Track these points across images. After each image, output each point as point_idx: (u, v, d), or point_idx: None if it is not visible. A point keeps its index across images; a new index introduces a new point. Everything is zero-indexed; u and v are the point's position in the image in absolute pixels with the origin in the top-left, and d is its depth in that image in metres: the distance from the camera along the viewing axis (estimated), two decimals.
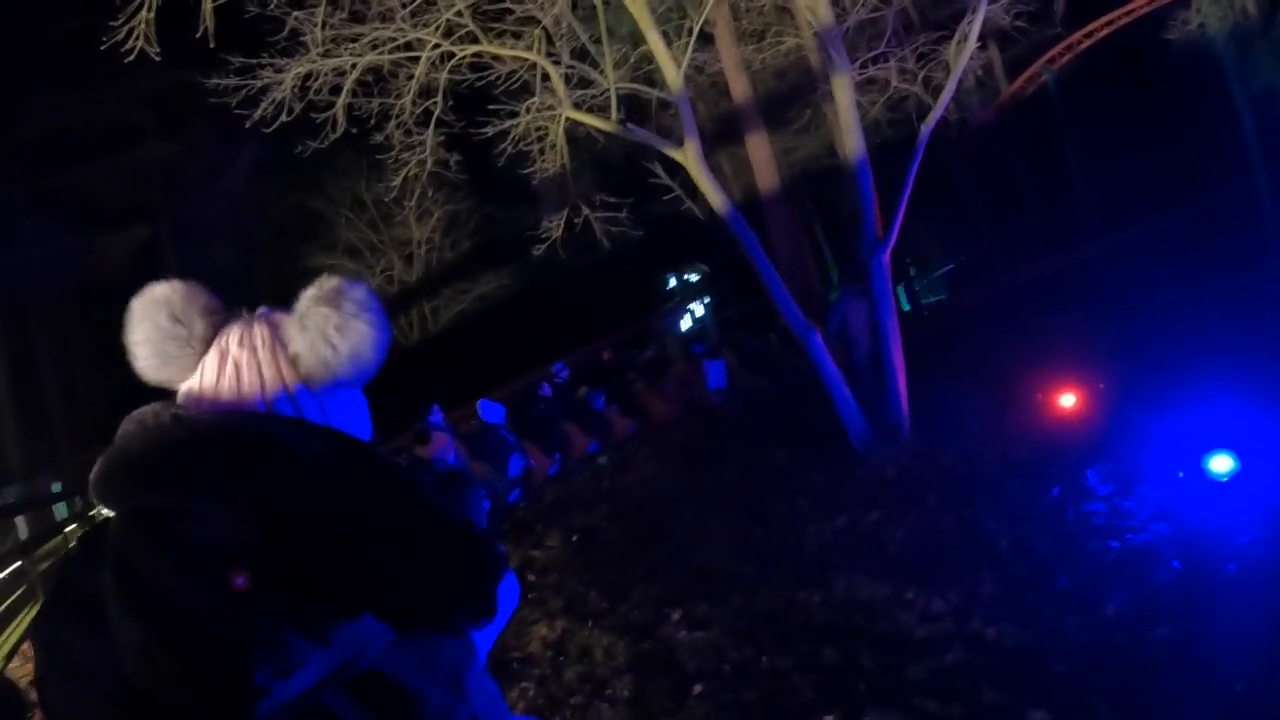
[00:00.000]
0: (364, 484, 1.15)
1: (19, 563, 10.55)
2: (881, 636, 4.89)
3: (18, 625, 9.30)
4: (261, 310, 1.40)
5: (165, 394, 1.33)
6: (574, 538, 8.66)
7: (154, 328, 1.30)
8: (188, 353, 1.30)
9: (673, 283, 33.32)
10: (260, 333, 1.32)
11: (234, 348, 1.30)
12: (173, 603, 1.00)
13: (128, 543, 1.06)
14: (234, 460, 1.10)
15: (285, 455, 1.11)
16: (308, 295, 1.34)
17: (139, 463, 1.12)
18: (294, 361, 1.30)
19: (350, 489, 1.12)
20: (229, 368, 1.28)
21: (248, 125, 9.50)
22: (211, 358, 1.30)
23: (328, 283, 1.35)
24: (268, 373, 1.29)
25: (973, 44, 8.83)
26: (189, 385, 1.30)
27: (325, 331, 1.29)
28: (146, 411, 1.21)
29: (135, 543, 1.05)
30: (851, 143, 8.77)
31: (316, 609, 1.03)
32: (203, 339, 1.31)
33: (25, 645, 8.78)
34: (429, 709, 1.08)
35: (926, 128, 8.73)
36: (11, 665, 8.44)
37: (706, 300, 31.30)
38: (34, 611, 9.22)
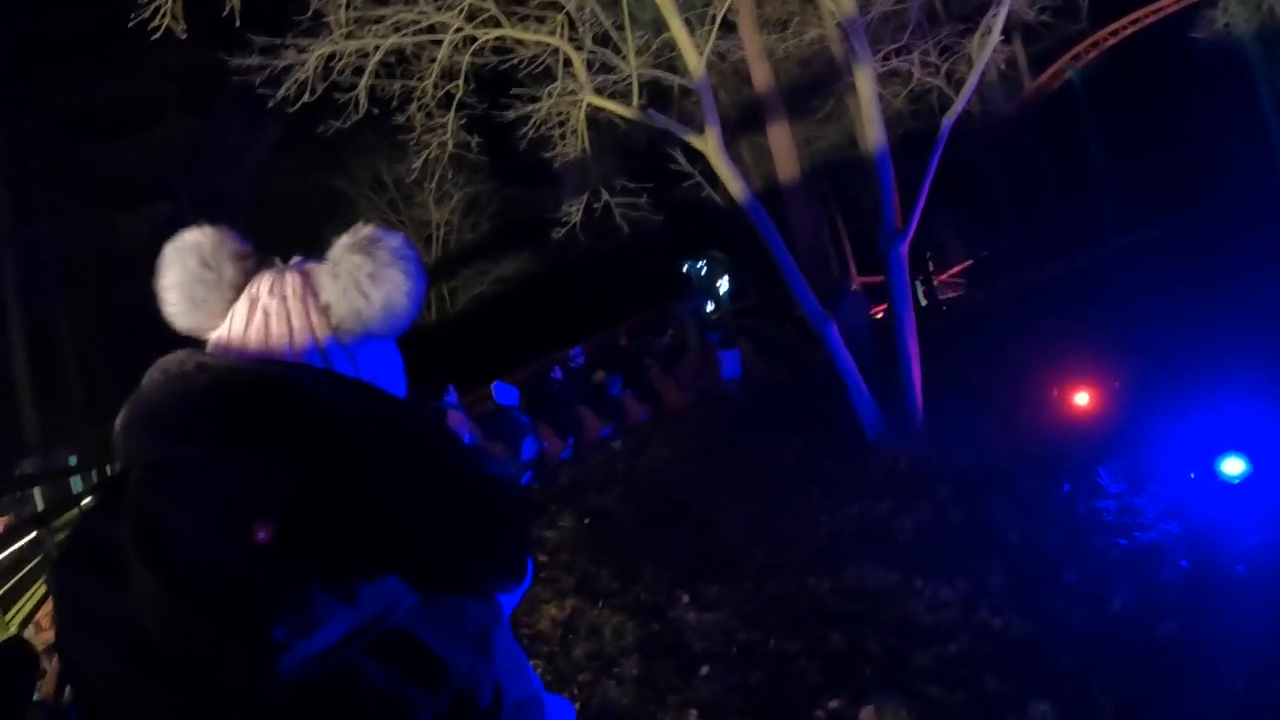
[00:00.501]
0: (392, 437, 1.11)
1: (35, 532, 10.65)
2: (888, 623, 4.94)
3: (33, 594, 9.41)
4: (295, 259, 1.37)
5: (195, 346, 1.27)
6: (586, 519, 8.71)
7: (183, 270, 1.28)
8: (216, 297, 1.27)
9: (691, 270, 33.26)
10: (292, 281, 1.28)
11: (264, 295, 1.27)
12: (191, 555, 0.98)
13: (147, 493, 1.04)
14: (256, 409, 1.07)
15: (309, 405, 1.08)
16: (341, 243, 1.29)
17: (160, 412, 1.10)
18: (325, 311, 1.26)
19: (377, 442, 1.08)
20: (258, 315, 1.25)
21: (270, 104, 9.56)
22: (241, 305, 1.27)
23: (362, 230, 1.31)
24: (297, 322, 1.25)
25: (996, 37, 8.81)
26: (218, 334, 1.27)
27: (358, 279, 1.24)
28: (171, 360, 1.17)
29: (155, 493, 1.03)
30: (873, 134, 8.77)
31: (341, 565, 1.01)
32: (233, 284, 1.28)
33: (40, 614, 8.89)
34: (455, 670, 1.06)
35: (948, 120, 8.72)
36: (25, 633, 8.55)
37: (724, 289, 31.25)
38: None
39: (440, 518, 1.11)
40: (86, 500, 14.83)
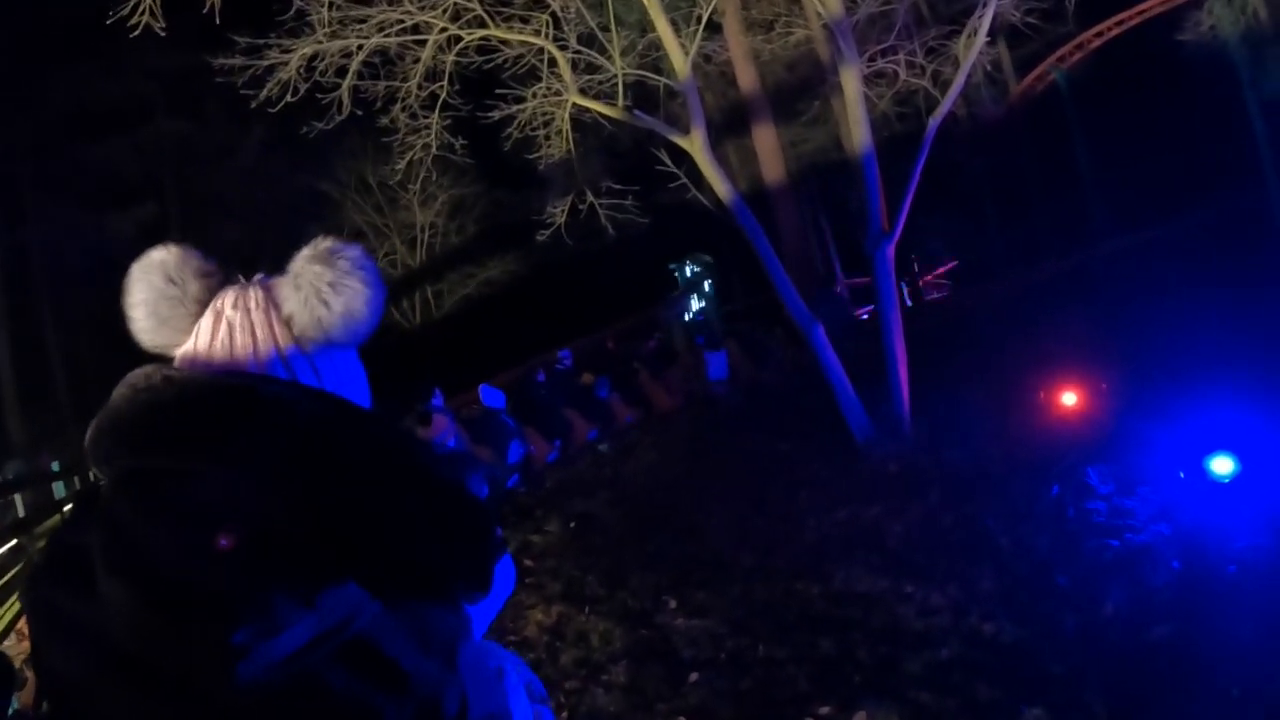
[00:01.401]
0: (355, 446, 1.13)
1: (15, 539, 10.56)
2: (878, 629, 4.89)
3: (14, 602, 9.30)
4: (258, 277, 1.40)
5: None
6: (573, 524, 8.65)
7: (149, 288, 1.33)
8: (181, 313, 1.31)
9: (677, 273, 33.27)
10: (255, 295, 1.32)
11: (228, 309, 1.30)
12: (155, 561, 1.00)
13: (115, 503, 1.06)
14: (220, 420, 1.09)
15: (272, 415, 1.10)
16: (301, 255, 1.33)
17: (128, 424, 1.12)
18: (288, 322, 1.29)
19: (340, 451, 1.11)
20: (222, 328, 1.28)
21: (254, 105, 9.50)
22: (206, 320, 1.30)
23: (322, 243, 1.34)
24: (260, 333, 1.28)
25: (982, 39, 8.79)
26: (184, 349, 1.30)
27: (319, 289, 1.27)
28: (139, 374, 1.21)
29: (122, 503, 1.05)
30: (859, 135, 8.74)
31: (302, 572, 1.02)
32: (197, 299, 1.32)
33: (21, 623, 8.78)
34: (419, 681, 1.06)
35: (934, 121, 8.69)
36: (7, 643, 8.44)
37: (710, 291, 31.27)
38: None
39: (405, 526, 1.12)
40: (68, 506, 14.74)
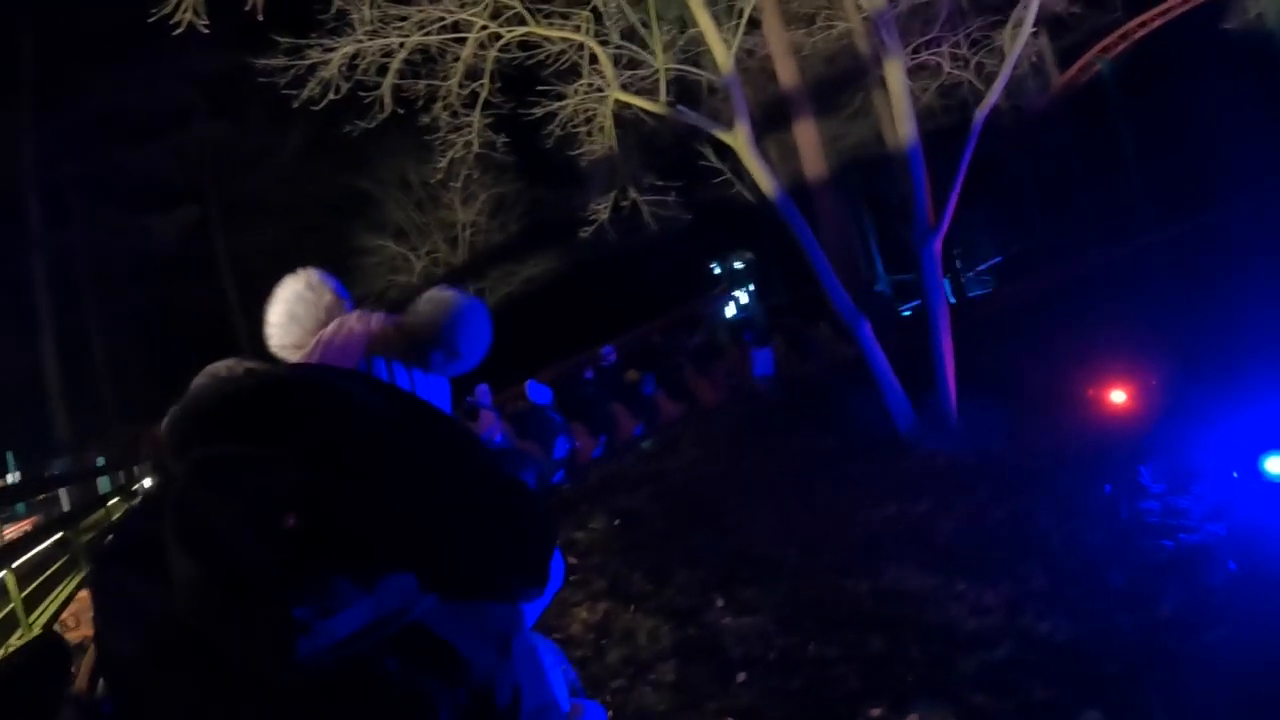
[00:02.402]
0: (426, 443, 1.15)
1: (61, 533, 10.71)
2: (930, 628, 4.82)
3: (58, 595, 9.43)
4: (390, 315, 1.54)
5: None
6: (617, 520, 8.64)
7: (292, 291, 1.49)
8: (312, 314, 1.47)
9: (719, 269, 33.22)
10: (377, 316, 1.47)
11: (352, 320, 1.45)
12: (224, 539, 1.01)
13: (189, 486, 1.07)
14: (294, 409, 1.11)
15: (346, 406, 1.13)
16: (426, 295, 1.47)
17: (207, 411, 1.13)
18: (401, 340, 1.42)
19: (410, 446, 1.13)
20: (342, 330, 1.42)
21: (295, 105, 9.57)
22: (330, 327, 1.45)
23: (445, 289, 1.48)
24: (375, 338, 1.40)
25: (1028, 29, 8.67)
26: (303, 354, 1.43)
27: (438, 321, 1.40)
28: (220, 365, 1.24)
29: (197, 486, 1.06)
30: (904, 128, 8.65)
31: (363, 557, 1.02)
32: (328, 309, 1.47)
33: (65, 614, 8.90)
34: (475, 667, 1.06)
35: (981, 113, 8.59)
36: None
37: (752, 287, 31.20)
38: (76, 581, 9.37)
39: (468, 522, 1.12)
40: (113, 500, 14.97)
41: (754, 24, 15.60)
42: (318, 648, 0.97)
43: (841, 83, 21.91)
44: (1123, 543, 5.46)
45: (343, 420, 1.11)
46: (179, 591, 1.00)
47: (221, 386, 1.16)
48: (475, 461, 1.20)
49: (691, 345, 17.63)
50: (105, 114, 31.40)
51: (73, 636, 8.51)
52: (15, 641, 7.14)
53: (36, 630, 7.75)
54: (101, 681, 1.13)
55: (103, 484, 18.82)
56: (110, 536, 1.18)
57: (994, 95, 8.63)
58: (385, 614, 1.02)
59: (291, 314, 1.48)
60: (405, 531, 1.06)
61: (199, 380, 1.22)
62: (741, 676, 4.74)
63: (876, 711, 4.08)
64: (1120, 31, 30.96)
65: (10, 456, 30.14)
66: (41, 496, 20.12)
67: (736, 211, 23.25)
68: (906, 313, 22.01)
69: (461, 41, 9.32)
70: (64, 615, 8.91)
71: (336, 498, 1.04)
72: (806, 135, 17.70)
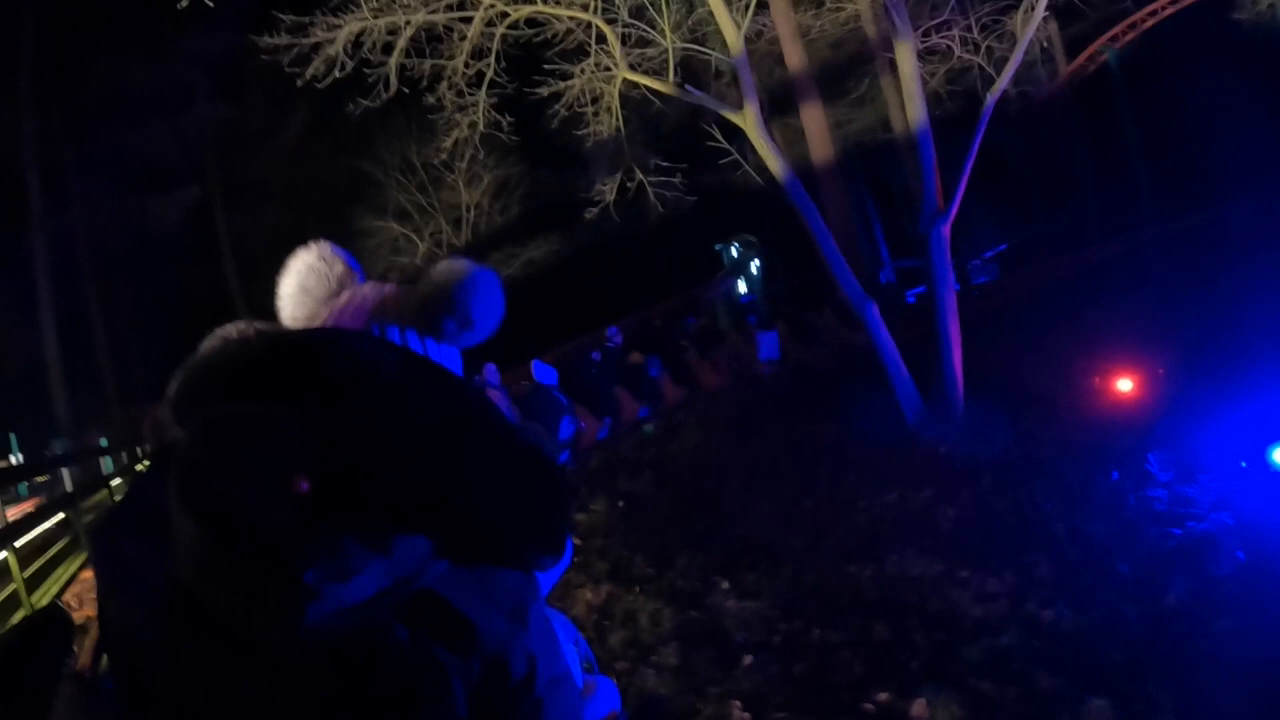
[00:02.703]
0: (439, 404, 1.13)
1: (63, 514, 10.70)
2: (934, 614, 4.79)
3: (60, 575, 9.42)
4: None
5: None
6: (620, 503, 8.61)
7: (301, 262, 1.47)
8: (324, 285, 1.45)
9: (723, 253, 33.18)
10: (391, 286, 1.46)
11: (368, 288, 1.45)
12: (231, 500, 0.99)
13: (195, 448, 1.05)
14: (305, 368, 1.09)
15: (357, 366, 1.10)
16: (440, 265, 1.43)
17: (216, 372, 1.12)
18: (415, 309, 1.39)
19: (423, 407, 1.10)
20: (356, 298, 1.41)
21: (299, 84, 9.50)
22: (344, 295, 1.43)
23: (460, 259, 1.44)
24: (388, 305, 1.38)
25: (1040, 14, 8.60)
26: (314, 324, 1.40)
27: (451, 293, 1.37)
28: (230, 327, 1.23)
29: (203, 446, 1.05)
30: (914, 111, 8.59)
31: (376, 519, 1.00)
32: (340, 279, 1.46)
33: (67, 595, 8.90)
34: (487, 636, 1.02)
35: (992, 97, 8.52)
36: None
37: (756, 272, 31.15)
38: (78, 562, 9.36)
39: (484, 485, 1.10)
40: (116, 481, 14.97)
41: (762, 6, 15.52)
42: (327, 613, 0.94)
43: (848, 67, 21.82)
44: (1129, 532, 5.42)
45: (355, 380, 1.09)
46: (182, 555, 0.98)
47: (232, 347, 1.15)
48: (490, 426, 1.17)
49: (689, 328, 17.60)
50: (107, 95, 31.36)
51: (75, 618, 8.49)
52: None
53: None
54: (104, 659, 1.10)
55: (106, 465, 18.83)
56: (115, 505, 1.14)
57: (1005, 78, 8.56)
58: (398, 579, 1.00)
59: (303, 286, 1.46)
60: (419, 494, 1.04)
61: (208, 342, 1.21)
62: (746, 660, 4.71)
63: (882, 697, 4.04)
64: (1128, 21, 30.79)
65: (13, 438, 30.20)
66: (44, 478, 20.13)
67: (740, 196, 23.14)
68: (910, 300, 21.95)
69: (468, 20, 9.23)
70: (66, 596, 8.90)
71: (349, 459, 1.01)
72: (813, 120, 17.64)
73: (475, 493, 1.09)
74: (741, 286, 31.12)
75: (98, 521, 1.05)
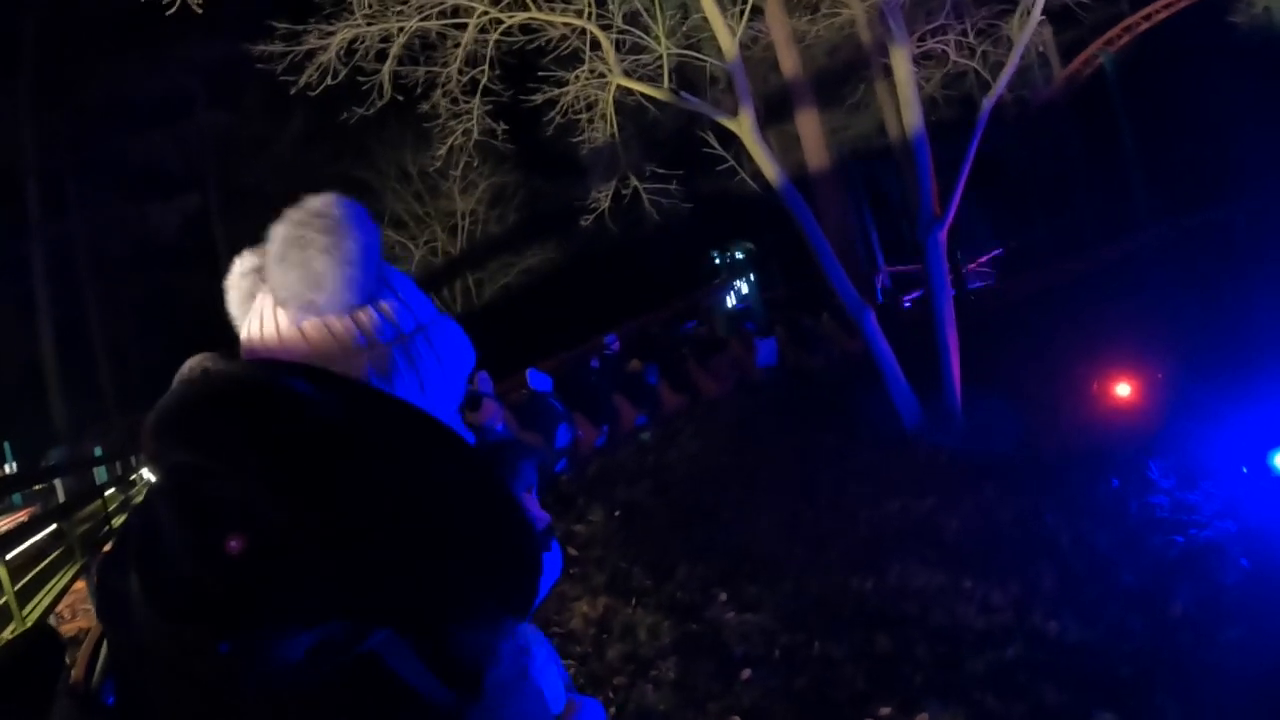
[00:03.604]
0: (381, 450, 1.05)
1: (55, 525, 10.63)
2: (937, 627, 4.73)
3: (53, 586, 9.34)
4: None
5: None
6: (617, 513, 8.54)
7: (234, 288, 1.28)
8: (243, 307, 1.27)
9: (719, 260, 33.16)
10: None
11: (260, 294, 1.24)
12: (168, 558, 0.99)
13: (150, 496, 1.07)
14: (235, 418, 1.05)
15: (288, 413, 1.05)
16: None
17: (165, 419, 1.09)
18: (279, 300, 1.22)
19: (362, 454, 1.03)
20: (255, 314, 1.23)
21: (293, 91, 9.47)
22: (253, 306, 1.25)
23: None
24: (265, 316, 1.22)
25: (1036, 19, 8.60)
26: (242, 337, 1.25)
27: (284, 252, 1.19)
28: (186, 365, 1.18)
29: (153, 497, 1.06)
30: (910, 117, 8.56)
31: (309, 583, 0.97)
32: (249, 294, 1.26)
33: (60, 607, 8.82)
34: (435, 704, 1.02)
35: (989, 102, 8.50)
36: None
37: (752, 279, 31.15)
38: (71, 573, 9.29)
39: (432, 543, 1.03)
40: (110, 491, 14.88)
41: (756, 11, 15.49)
42: (264, 672, 0.94)
43: (843, 74, 21.83)
44: (1132, 540, 5.37)
45: (289, 430, 1.04)
46: (133, 609, 1.00)
47: (180, 392, 1.12)
48: (444, 467, 1.10)
49: (690, 335, 17.55)
50: (106, 101, 31.37)
51: (68, 629, 8.43)
52: (8, 635, 7.04)
53: (30, 623, 7.66)
54: (98, 672, 1.17)
55: (100, 474, 18.75)
56: (115, 536, 1.15)
57: (1002, 83, 8.54)
58: (331, 643, 0.98)
59: (239, 310, 1.32)
60: (353, 560, 0.99)
61: (173, 383, 1.16)
62: (746, 675, 4.64)
63: (885, 711, 3.98)
64: (1124, 24, 30.84)
65: (7, 446, 30.11)
66: (39, 487, 20.05)
67: (736, 203, 23.10)
68: (906, 305, 21.93)
69: (461, 27, 9.20)
70: (59, 607, 8.82)
71: (283, 518, 0.99)
72: (808, 126, 17.62)
73: (429, 555, 1.03)
74: (740, 292, 31.10)
75: (100, 556, 1.04)
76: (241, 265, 1.28)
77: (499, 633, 1.17)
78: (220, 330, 1.32)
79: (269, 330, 1.19)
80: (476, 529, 1.08)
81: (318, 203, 1.21)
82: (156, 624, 0.97)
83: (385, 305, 1.21)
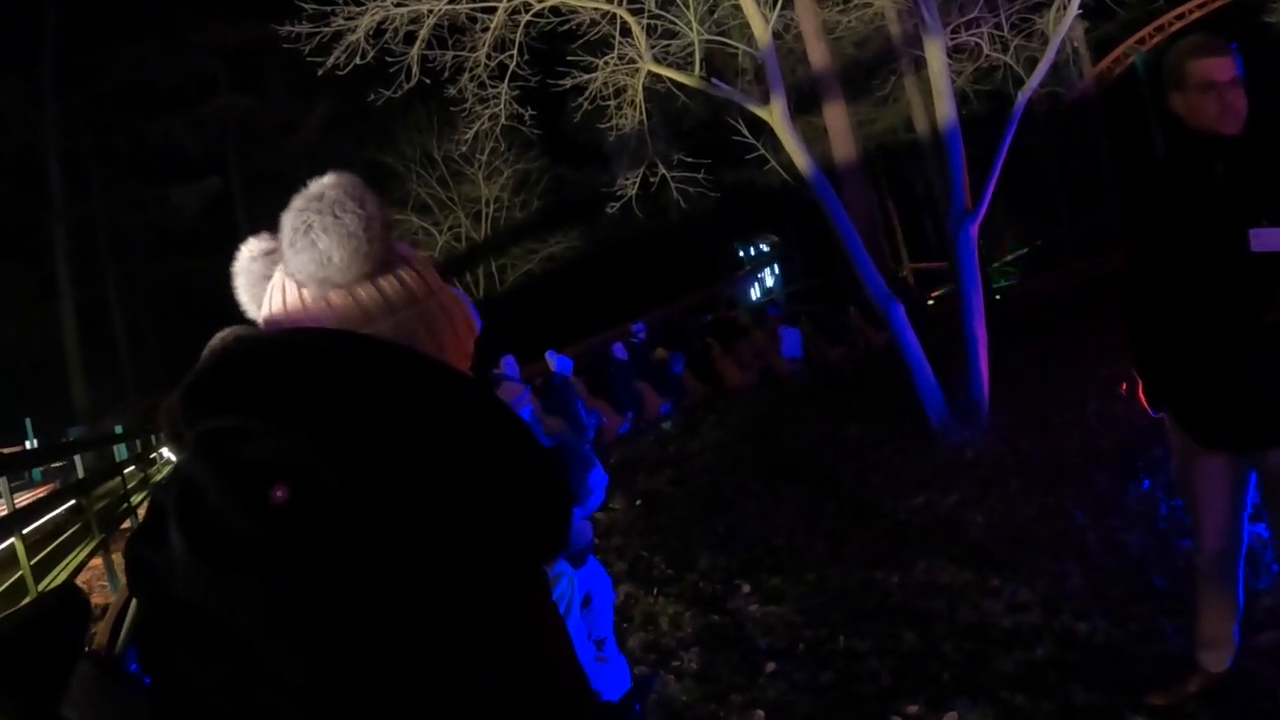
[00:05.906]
0: (417, 408, 1.11)
1: (74, 500, 10.71)
2: (964, 624, 4.65)
3: (70, 561, 9.40)
4: None
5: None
6: (638, 501, 8.50)
7: (245, 272, 1.37)
8: (260, 288, 1.35)
9: (743, 252, 33.12)
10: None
11: (275, 273, 1.33)
12: (212, 513, 1.03)
13: (188, 461, 1.10)
14: (276, 377, 1.11)
15: (327, 368, 1.11)
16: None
17: (201, 385, 1.14)
18: (292, 275, 1.30)
19: (396, 410, 1.09)
20: (272, 292, 1.30)
21: (320, 73, 9.44)
22: (267, 286, 1.32)
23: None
24: (285, 292, 1.28)
25: (1073, 13, 8.48)
26: (262, 314, 1.31)
27: (294, 239, 1.24)
28: (218, 336, 1.28)
29: (195, 461, 1.09)
30: (943, 109, 8.46)
31: (354, 528, 1.02)
32: (263, 276, 1.35)
33: (77, 581, 8.85)
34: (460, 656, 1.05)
35: (1023, 96, 8.39)
36: None
37: (776, 271, 31.10)
38: (89, 548, 9.35)
39: (466, 490, 1.09)
40: (129, 469, 14.98)
41: (787, 1, 15.36)
42: (308, 620, 0.98)
43: (872, 67, 21.66)
44: (1163, 542, 5.26)
45: (326, 385, 1.09)
46: (175, 566, 1.03)
47: (214, 358, 1.17)
48: (484, 424, 1.15)
49: (703, 322, 17.53)
50: (128, 85, 31.54)
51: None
52: None
53: None
54: (121, 640, 1.23)
55: (120, 451, 18.86)
56: (146, 509, 1.19)
57: (1037, 77, 8.42)
58: (375, 590, 1.01)
59: (249, 294, 1.40)
60: (396, 499, 1.04)
61: (205, 351, 1.24)
62: (770, 668, 4.58)
63: (912, 709, 3.91)
64: (1156, 23, 30.52)
65: (28, 423, 30.38)
66: (58, 464, 20.18)
67: (760, 195, 23.05)
68: (931, 301, 21.81)
69: (491, 10, 9.14)
70: (76, 582, 8.86)
71: (323, 469, 1.03)
72: (836, 118, 17.45)
73: (458, 497, 1.07)
74: (764, 284, 31.07)
75: (133, 529, 1.05)
76: (249, 250, 1.37)
77: (533, 568, 1.21)
78: (240, 314, 1.38)
79: (293, 302, 1.25)
80: (504, 469, 1.12)
81: (317, 186, 1.27)
82: (204, 581, 1.00)
83: (405, 274, 1.28)
